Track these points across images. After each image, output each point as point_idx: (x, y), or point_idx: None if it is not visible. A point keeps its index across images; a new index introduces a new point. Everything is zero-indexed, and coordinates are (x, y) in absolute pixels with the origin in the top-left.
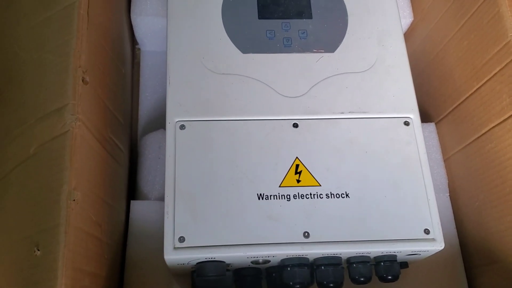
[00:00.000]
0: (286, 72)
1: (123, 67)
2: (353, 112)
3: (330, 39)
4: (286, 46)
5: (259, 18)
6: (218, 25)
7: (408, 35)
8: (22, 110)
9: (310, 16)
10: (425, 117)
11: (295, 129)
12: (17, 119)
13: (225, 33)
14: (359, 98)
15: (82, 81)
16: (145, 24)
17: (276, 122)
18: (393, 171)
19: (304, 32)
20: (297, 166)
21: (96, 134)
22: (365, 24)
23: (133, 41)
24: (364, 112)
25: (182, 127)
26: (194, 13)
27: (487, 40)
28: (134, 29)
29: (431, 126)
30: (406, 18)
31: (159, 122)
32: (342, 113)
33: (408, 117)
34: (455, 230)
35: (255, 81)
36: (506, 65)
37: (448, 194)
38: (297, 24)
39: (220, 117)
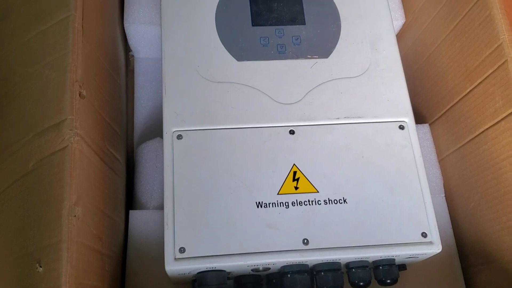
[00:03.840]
0: (281, 78)
1: (118, 77)
2: (349, 118)
3: (324, 44)
4: (280, 53)
5: (252, 25)
6: (212, 33)
7: (400, 36)
8: (20, 125)
9: (303, 22)
10: (419, 118)
11: (291, 136)
12: (15, 134)
13: (220, 41)
14: (354, 103)
15: (79, 95)
16: (138, 32)
17: (272, 130)
18: (390, 175)
19: (297, 38)
20: (295, 173)
21: (95, 148)
22: (358, 29)
23: (127, 48)
24: (359, 117)
25: (179, 137)
26: (188, 22)
27: (479, 42)
28: (127, 37)
29: (425, 127)
30: (398, 20)
31: (155, 130)
32: (338, 118)
33: (403, 121)
34: (451, 230)
35: (251, 88)
36: (498, 67)
37: (443, 195)
38: (290, 30)
39: (216, 125)
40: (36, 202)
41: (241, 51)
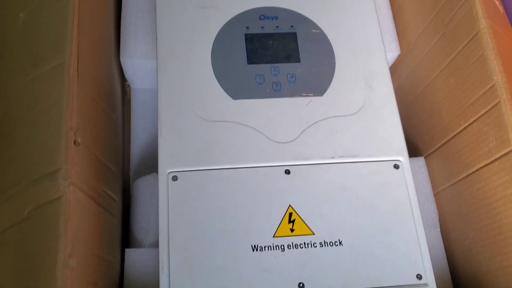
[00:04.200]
0: (277, 117)
1: (114, 113)
2: (344, 157)
3: (319, 82)
4: (276, 91)
5: (248, 63)
6: (208, 71)
7: (395, 67)
8: (15, 170)
9: (298, 60)
10: (414, 151)
11: (287, 175)
12: (10, 179)
13: (215, 79)
14: (349, 142)
15: (74, 143)
16: (134, 65)
17: (268, 169)
18: (385, 216)
19: (292, 76)
20: (290, 214)
21: (89, 192)
22: (352, 66)
23: (123, 79)
24: (354, 156)
25: (175, 178)
26: (184, 59)
27: (473, 80)
28: (123, 70)
29: (421, 160)
30: (393, 52)
31: (151, 162)
32: (333, 157)
33: (398, 160)
34: (447, 265)
35: (246, 127)
36: (491, 108)
37: (439, 229)
38: (285, 68)
39: (212, 166)
40: (31, 251)
41: (237, 89)
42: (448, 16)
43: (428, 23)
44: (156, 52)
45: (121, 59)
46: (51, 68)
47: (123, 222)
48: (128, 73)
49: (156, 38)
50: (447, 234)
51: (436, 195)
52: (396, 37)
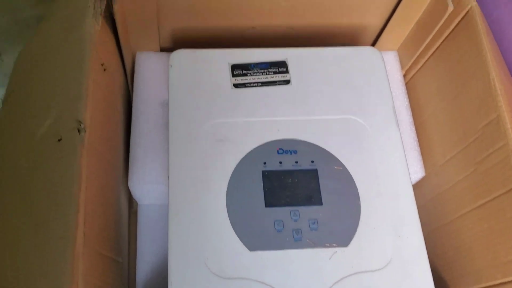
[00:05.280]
0: (298, 272)
1: (120, 256)
2: None
3: (343, 230)
4: (297, 240)
5: (266, 206)
6: (223, 216)
7: (418, 185)
8: None
9: (320, 202)
10: (440, 284)
11: None
12: None
13: (231, 226)
14: None
15: None
16: (143, 189)
17: None
18: None
19: (314, 222)
20: None
21: None
22: (379, 210)
23: (131, 200)
24: None
25: None
26: (197, 205)
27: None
28: (131, 192)
29: None
30: (417, 174)
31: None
32: None
33: None
34: None
35: (264, 285)
36: None
37: None
38: (306, 212)
39: None
40: None
41: (254, 238)
42: (480, 155)
43: (457, 152)
44: (167, 188)
45: (129, 184)
46: (57, 239)
47: None
48: (136, 195)
49: (168, 177)
50: None
51: None
52: (420, 157)
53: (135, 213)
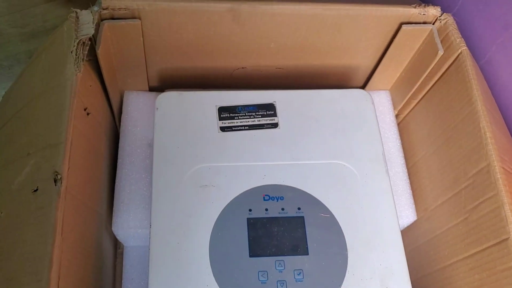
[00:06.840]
0: None
1: None
2: None
3: (329, 281)
4: None
5: (250, 256)
6: (206, 267)
7: (410, 229)
8: None
9: (306, 252)
10: None
11: None
12: None
13: (213, 277)
14: None
15: None
16: (127, 234)
17: None
18: None
19: (300, 273)
20: None
21: None
22: (367, 260)
23: (117, 241)
24: None
25: None
26: (178, 255)
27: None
28: (115, 235)
29: None
30: (409, 218)
31: None
32: None
33: None
34: None
35: None
36: None
37: None
38: (292, 262)
39: None
40: None
41: None
42: (471, 203)
43: (448, 198)
44: (149, 237)
45: (113, 229)
46: None
47: None
48: (120, 238)
49: (150, 225)
50: None
51: None
52: (412, 201)
53: (122, 253)
